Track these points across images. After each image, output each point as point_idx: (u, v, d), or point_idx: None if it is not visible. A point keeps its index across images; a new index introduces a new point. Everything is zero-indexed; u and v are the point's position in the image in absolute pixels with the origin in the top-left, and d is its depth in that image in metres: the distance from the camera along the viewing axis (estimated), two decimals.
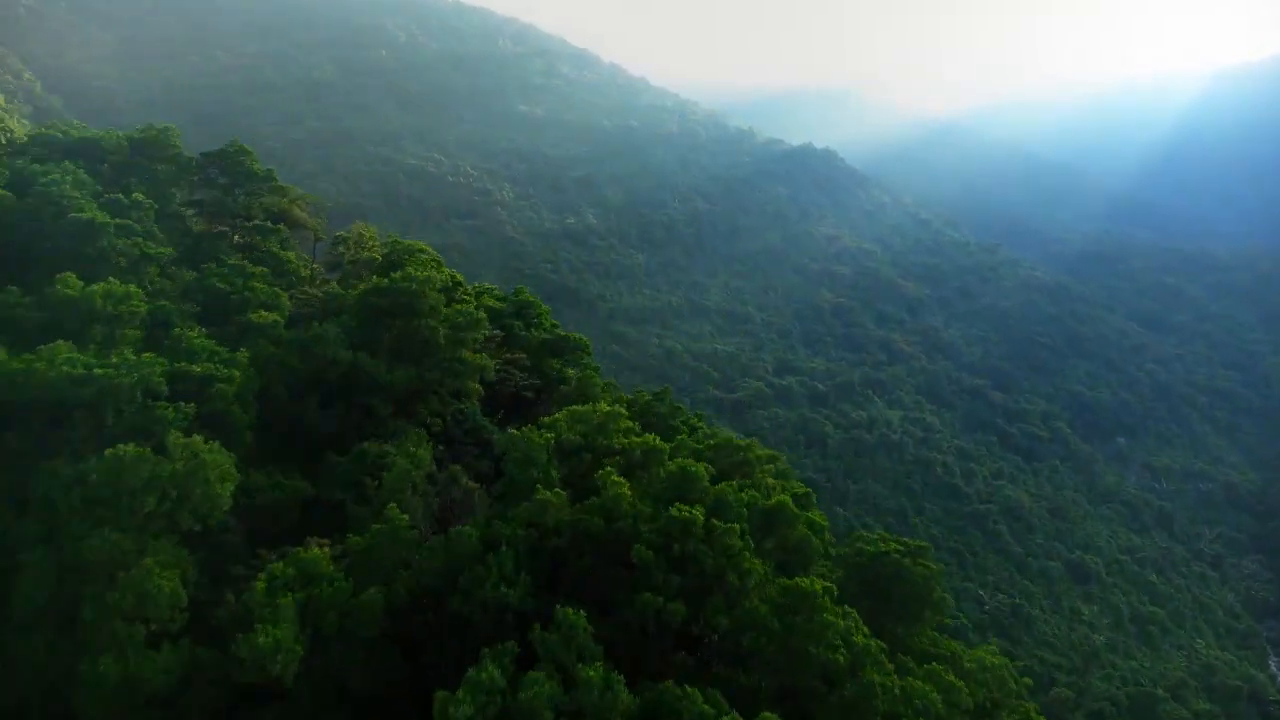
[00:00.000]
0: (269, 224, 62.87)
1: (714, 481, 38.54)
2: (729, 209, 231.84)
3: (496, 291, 68.63)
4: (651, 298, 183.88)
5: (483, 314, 49.98)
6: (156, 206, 55.84)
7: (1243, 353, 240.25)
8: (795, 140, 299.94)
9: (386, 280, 47.46)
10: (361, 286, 49.72)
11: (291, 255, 62.59)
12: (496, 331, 56.67)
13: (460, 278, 64.14)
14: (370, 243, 62.72)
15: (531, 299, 65.79)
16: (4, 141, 67.33)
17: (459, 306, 49.54)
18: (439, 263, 57.86)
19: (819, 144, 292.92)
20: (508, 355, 58.00)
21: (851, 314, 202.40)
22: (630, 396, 62.59)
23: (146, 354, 38.10)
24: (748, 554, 34.27)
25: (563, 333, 63.75)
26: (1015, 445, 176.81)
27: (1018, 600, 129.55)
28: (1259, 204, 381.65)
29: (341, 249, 65.14)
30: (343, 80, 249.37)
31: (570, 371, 60.41)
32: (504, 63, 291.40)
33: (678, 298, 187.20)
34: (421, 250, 56.07)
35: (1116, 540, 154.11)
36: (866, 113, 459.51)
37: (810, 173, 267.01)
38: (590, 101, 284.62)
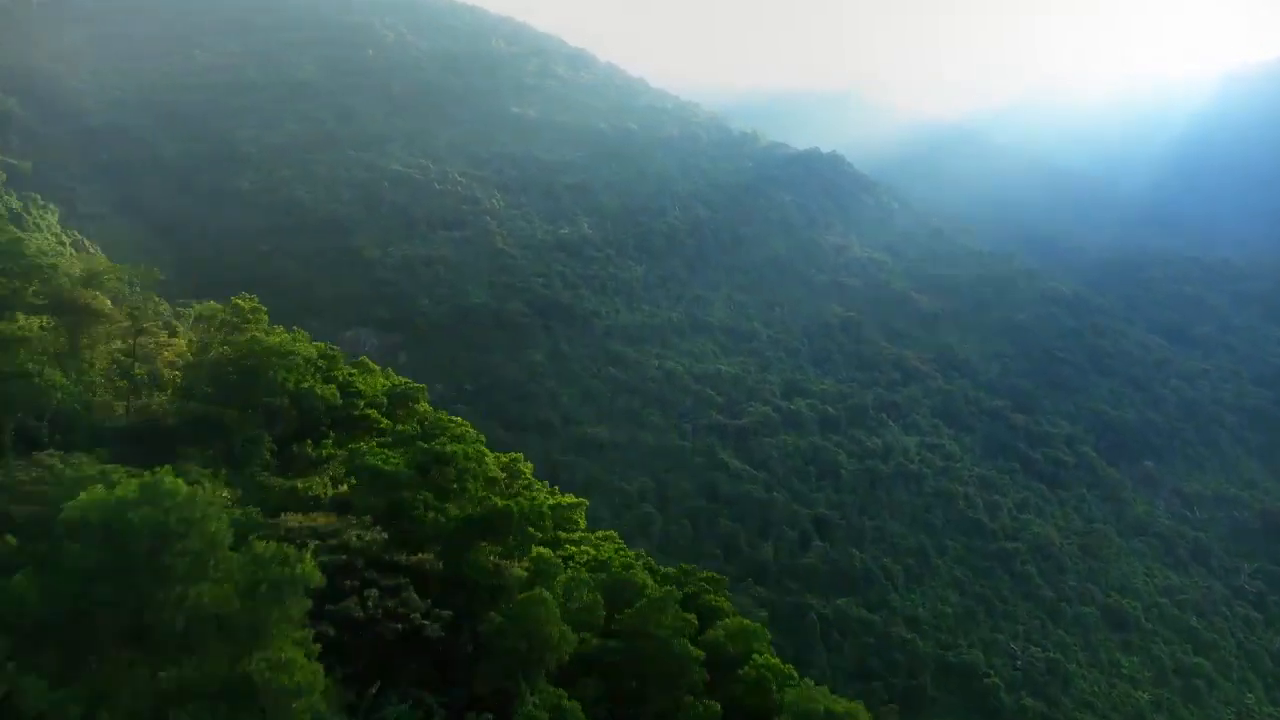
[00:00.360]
0: (19, 327, 41.27)
1: None
2: (732, 217, 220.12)
3: (422, 415, 48.82)
4: (650, 314, 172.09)
5: (309, 567, 25.83)
6: None
7: (1271, 366, 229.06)
8: (797, 143, 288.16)
9: (105, 509, 23.75)
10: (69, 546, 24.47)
11: (60, 378, 40.43)
12: (374, 534, 35.63)
13: (375, 383, 46.33)
14: (217, 335, 46.96)
15: (456, 450, 41.48)
16: None
17: (262, 549, 25.61)
18: (330, 361, 44.20)
19: (822, 147, 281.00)
20: (402, 558, 37.03)
21: (862, 329, 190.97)
22: (617, 572, 42.71)
23: None
24: None
25: (502, 502, 40.60)
26: (1039, 472, 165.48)
27: (1052, 654, 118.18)
28: (1272, 208, 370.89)
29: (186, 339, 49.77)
30: (327, 81, 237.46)
31: (516, 570, 39.60)
32: (497, 63, 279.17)
33: (678, 313, 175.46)
34: (290, 353, 41.54)
35: (1153, 580, 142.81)
36: (870, 115, 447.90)
37: (817, 178, 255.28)
38: (586, 103, 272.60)
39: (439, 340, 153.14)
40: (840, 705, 35.90)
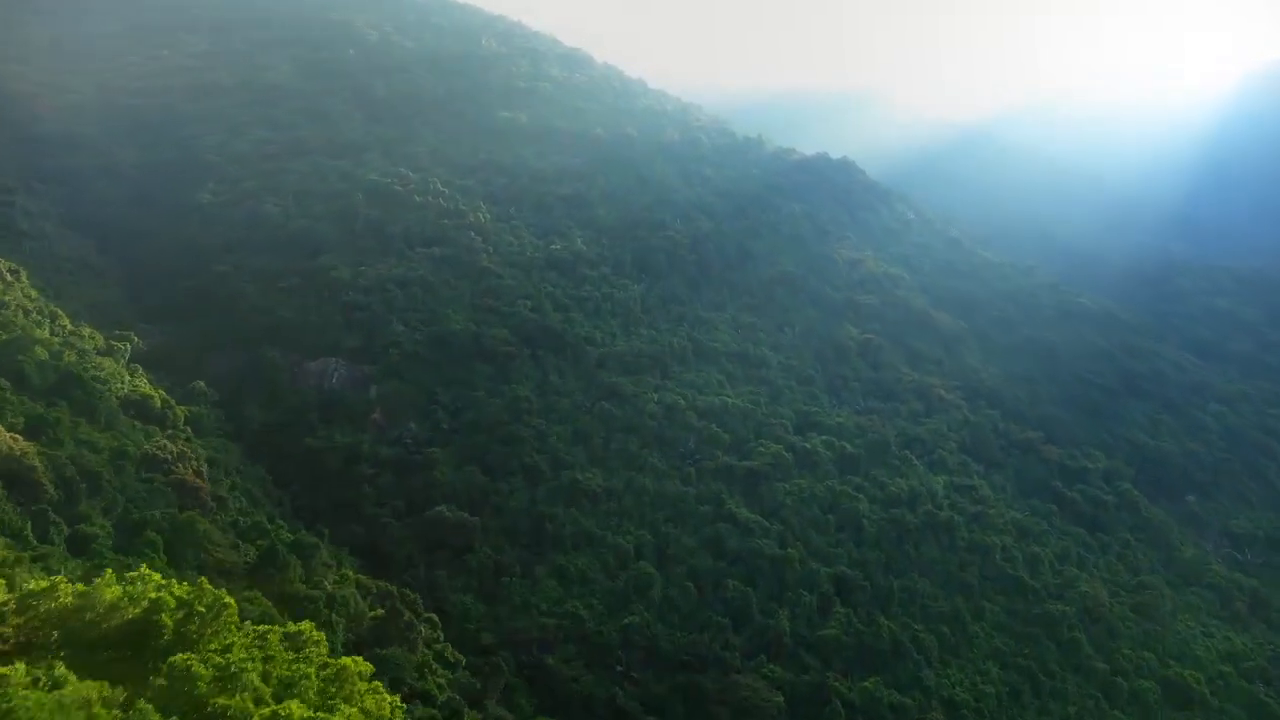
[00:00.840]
0: None
1: None
2: (737, 229, 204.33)
3: None
4: (650, 340, 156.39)
5: None
6: None
7: None
8: (804, 148, 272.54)
9: None
10: None
11: None
12: None
13: None
14: None
15: None
16: None
17: None
18: None
19: (830, 152, 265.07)
20: None
21: (880, 353, 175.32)
22: None
23: None
24: None
25: None
26: (1078, 513, 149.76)
27: None
28: None
29: None
30: (302, 83, 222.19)
31: None
32: (486, 64, 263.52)
33: (680, 338, 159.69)
34: None
35: (1213, 643, 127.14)
36: (877, 117, 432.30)
37: (828, 186, 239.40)
38: (581, 106, 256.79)
39: (414, 371, 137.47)
40: None
